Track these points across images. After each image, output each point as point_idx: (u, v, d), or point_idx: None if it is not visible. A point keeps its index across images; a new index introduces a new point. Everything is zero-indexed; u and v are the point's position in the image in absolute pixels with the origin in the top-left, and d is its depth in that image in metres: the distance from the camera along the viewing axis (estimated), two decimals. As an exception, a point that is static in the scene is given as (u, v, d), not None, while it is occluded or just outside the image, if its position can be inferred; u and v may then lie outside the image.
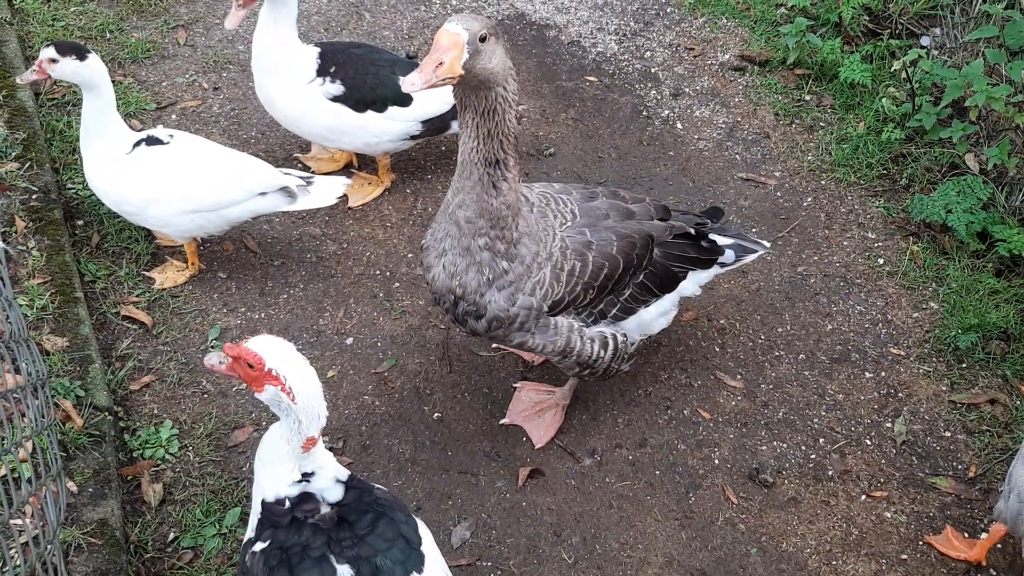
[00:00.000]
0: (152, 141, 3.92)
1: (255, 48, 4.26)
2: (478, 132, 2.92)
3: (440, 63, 2.67)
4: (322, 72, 4.31)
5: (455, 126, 4.45)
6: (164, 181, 3.87)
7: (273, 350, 2.40)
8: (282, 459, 2.49)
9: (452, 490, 3.65)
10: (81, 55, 3.69)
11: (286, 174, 4.01)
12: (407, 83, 2.69)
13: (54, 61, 3.69)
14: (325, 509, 2.51)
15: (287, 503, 2.49)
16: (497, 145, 2.95)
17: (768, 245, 3.90)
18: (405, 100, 4.38)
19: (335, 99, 4.32)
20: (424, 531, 2.63)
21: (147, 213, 3.94)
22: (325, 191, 4.07)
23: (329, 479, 2.54)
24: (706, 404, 3.97)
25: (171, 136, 3.97)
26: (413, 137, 4.52)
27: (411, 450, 3.76)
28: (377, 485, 2.68)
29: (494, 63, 2.77)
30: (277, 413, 2.47)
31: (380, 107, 4.36)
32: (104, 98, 3.79)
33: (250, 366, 2.38)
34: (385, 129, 4.42)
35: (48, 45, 3.70)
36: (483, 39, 2.72)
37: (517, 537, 3.52)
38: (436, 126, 4.51)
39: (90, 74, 3.71)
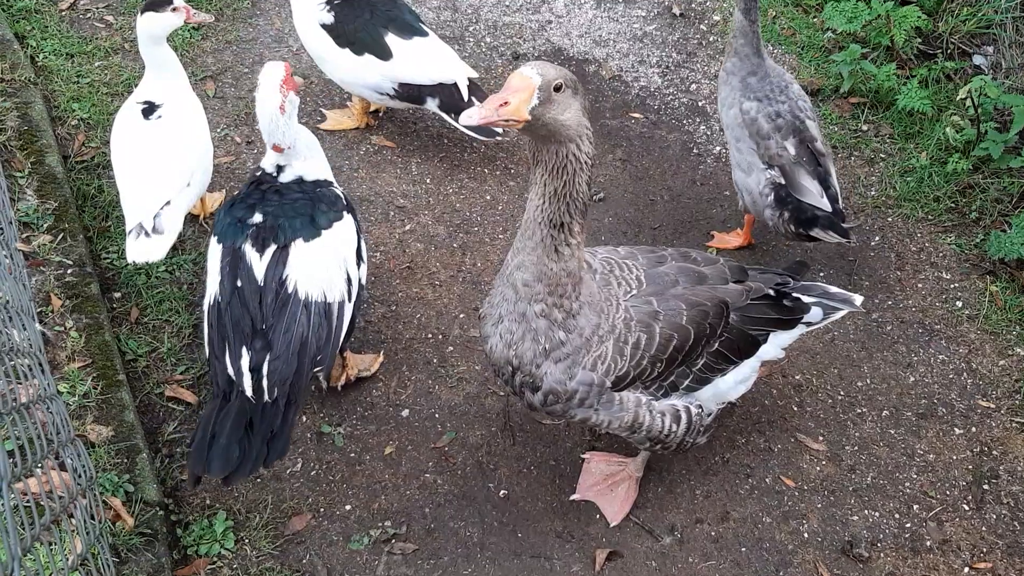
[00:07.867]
0: (148, 110, 4.05)
1: None
2: (545, 190, 2.75)
3: (506, 103, 2.53)
4: (330, 0, 4.59)
5: (431, 104, 4.58)
6: (114, 136, 4.08)
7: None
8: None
9: (526, 576, 3.43)
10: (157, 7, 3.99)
11: (155, 216, 3.79)
12: (465, 115, 2.56)
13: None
14: (279, 183, 3.59)
15: (260, 173, 3.65)
16: (564, 207, 2.77)
17: (859, 301, 3.58)
18: (384, 54, 4.50)
19: (324, 27, 4.57)
20: (347, 227, 3.53)
21: None
22: (148, 248, 3.79)
23: (293, 175, 3.62)
24: (789, 470, 3.74)
25: (159, 118, 4.01)
26: (393, 97, 4.62)
27: (479, 533, 3.54)
28: (337, 188, 3.70)
29: (566, 116, 2.61)
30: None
31: (357, 50, 4.52)
32: (161, 47, 4.06)
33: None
34: (358, 74, 4.57)
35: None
36: (557, 88, 2.57)
37: (599, 628, 3.30)
38: (412, 95, 4.59)
39: (144, 28, 4.01)
